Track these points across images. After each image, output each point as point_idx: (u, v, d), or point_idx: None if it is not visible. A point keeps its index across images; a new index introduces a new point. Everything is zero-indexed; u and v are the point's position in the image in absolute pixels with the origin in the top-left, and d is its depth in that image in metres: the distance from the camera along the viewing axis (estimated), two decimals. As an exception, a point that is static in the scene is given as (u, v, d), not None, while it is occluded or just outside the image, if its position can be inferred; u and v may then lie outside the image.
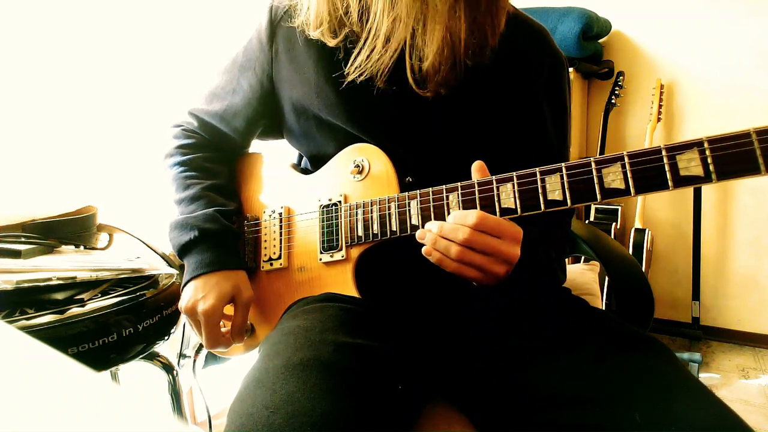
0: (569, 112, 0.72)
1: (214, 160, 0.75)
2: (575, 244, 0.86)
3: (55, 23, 0.84)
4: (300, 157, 0.84)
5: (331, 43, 0.63)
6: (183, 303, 0.62)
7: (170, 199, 0.71)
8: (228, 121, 0.74)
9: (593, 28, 1.86)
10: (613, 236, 1.94)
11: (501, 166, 0.56)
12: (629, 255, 0.84)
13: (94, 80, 0.90)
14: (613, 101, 2.06)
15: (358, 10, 0.61)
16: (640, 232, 1.92)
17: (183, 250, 0.65)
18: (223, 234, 0.66)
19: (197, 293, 0.61)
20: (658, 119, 1.96)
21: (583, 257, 1.21)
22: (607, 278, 1.53)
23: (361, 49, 0.61)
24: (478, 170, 0.56)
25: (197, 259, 0.64)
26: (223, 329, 0.65)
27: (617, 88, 2.05)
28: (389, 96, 0.63)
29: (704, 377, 1.75)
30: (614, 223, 1.96)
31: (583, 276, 0.97)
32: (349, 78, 0.62)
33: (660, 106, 1.96)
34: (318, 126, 0.69)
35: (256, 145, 0.82)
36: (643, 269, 1.72)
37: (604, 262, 0.78)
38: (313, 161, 0.74)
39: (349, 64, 0.62)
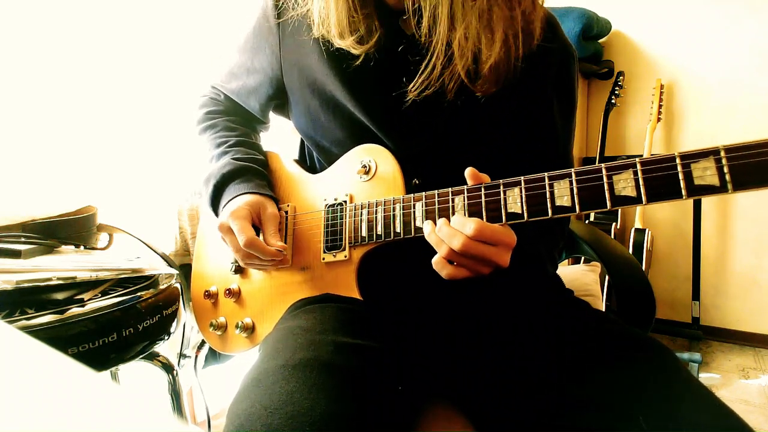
0: (576, 106, 0.71)
1: (238, 123, 0.81)
2: (576, 245, 0.86)
3: (55, 23, 0.84)
4: (301, 150, 0.83)
5: (358, 50, 0.61)
6: (216, 224, 0.65)
7: (205, 159, 0.77)
8: (244, 100, 0.80)
9: (593, 28, 1.86)
10: (613, 236, 1.94)
11: (507, 165, 0.55)
12: (630, 255, 0.84)
13: (94, 80, 0.90)
14: (613, 101, 2.06)
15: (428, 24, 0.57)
16: (640, 232, 1.92)
17: (213, 196, 0.70)
18: (240, 171, 0.70)
19: (226, 212, 0.65)
20: (658, 119, 1.96)
21: (583, 258, 1.20)
22: (607, 278, 1.53)
23: (428, 62, 0.58)
24: (471, 177, 0.54)
25: (226, 200, 0.68)
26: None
27: (617, 88, 2.04)
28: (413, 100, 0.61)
29: (704, 377, 1.75)
30: (614, 223, 1.96)
31: (584, 277, 0.97)
32: (412, 96, 0.60)
33: (660, 106, 1.96)
34: (324, 110, 0.68)
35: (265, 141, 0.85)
36: (643, 269, 1.72)
37: (605, 262, 0.78)
38: (317, 148, 0.73)
39: (413, 83, 0.59)
